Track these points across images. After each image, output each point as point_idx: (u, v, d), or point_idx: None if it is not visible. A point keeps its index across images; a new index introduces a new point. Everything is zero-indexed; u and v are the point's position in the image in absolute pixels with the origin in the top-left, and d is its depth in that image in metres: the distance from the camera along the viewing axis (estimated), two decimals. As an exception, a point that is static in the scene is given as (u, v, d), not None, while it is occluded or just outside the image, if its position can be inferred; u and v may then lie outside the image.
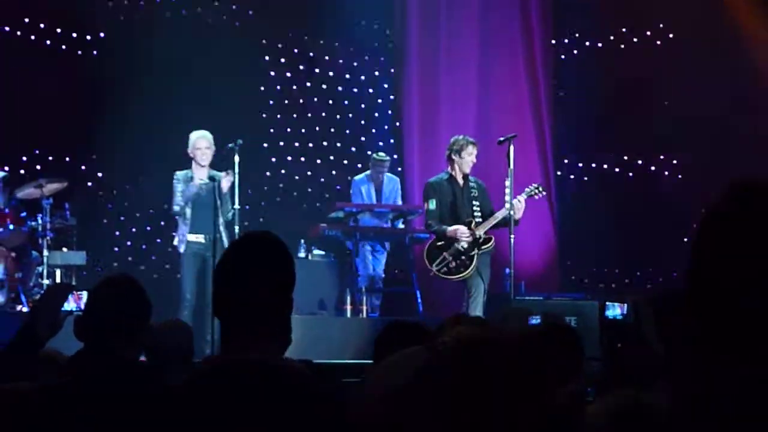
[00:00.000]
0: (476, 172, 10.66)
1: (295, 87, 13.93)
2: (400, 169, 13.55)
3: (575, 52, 14.58)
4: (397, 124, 14.37)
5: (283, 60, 14.13)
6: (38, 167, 12.41)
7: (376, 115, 14.47)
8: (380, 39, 14.52)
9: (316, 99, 14.01)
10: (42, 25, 13.15)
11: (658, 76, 14.23)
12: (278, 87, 13.75)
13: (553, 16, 14.62)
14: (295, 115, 13.82)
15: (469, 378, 2.41)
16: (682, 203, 13.96)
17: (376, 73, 14.47)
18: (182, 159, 11.11)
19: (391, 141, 14.22)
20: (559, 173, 14.39)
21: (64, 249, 11.59)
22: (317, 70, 14.25)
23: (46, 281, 10.69)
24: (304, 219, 13.36)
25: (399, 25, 14.37)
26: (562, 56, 14.62)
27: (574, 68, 14.46)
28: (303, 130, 13.85)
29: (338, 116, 14.12)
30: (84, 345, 3.40)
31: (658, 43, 14.38)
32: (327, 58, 14.33)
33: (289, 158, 13.95)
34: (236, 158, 10.36)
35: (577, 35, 14.78)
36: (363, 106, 14.39)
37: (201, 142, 10.59)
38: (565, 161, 14.51)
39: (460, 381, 2.40)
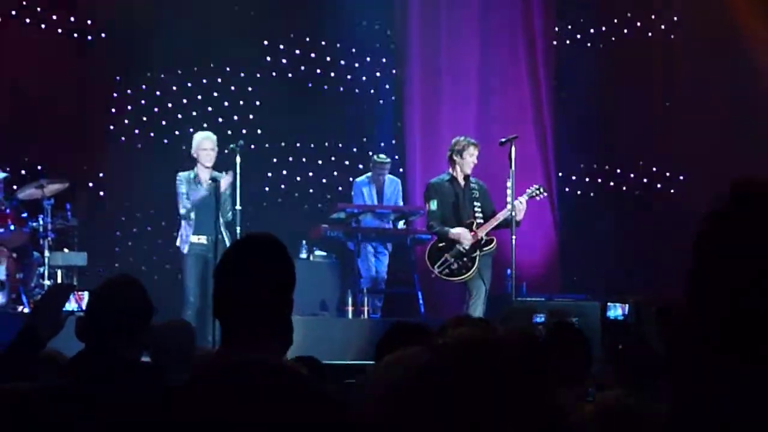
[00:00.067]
0: (477, 173, 10.66)
1: (296, 88, 13.92)
2: (401, 170, 13.53)
3: (577, 52, 14.56)
4: (399, 125, 14.36)
5: (284, 61, 14.13)
6: (39, 167, 12.40)
7: (378, 116, 14.47)
8: (381, 40, 14.51)
9: (317, 100, 14.00)
10: (43, 26, 13.15)
11: (662, 76, 14.23)
12: (280, 88, 13.74)
13: (555, 16, 14.62)
14: (296, 116, 13.81)
15: (470, 378, 2.40)
16: (684, 204, 13.97)
17: (378, 74, 14.46)
18: (183, 159, 11.12)
19: (393, 142, 14.21)
20: (560, 174, 14.36)
21: (66, 250, 11.59)
22: (319, 71, 14.24)
23: (47, 282, 10.69)
24: (306, 220, 13.36)
25: (400, 25, 14.36)
26: (564, 57, 14.59)
27: (576, 69, 14.43)
28: (305, 131, 13.85)
29: (340, 117, 14.11)
30: (85, 346, 3.41)
31: (661, 43, 14.35)
32: (328, 59, 14.33)
33: (291, 159, 13.94)
34: (238, 159, 10.36)
35: (578, 36, 14.76)
36: (364, 107, 14.38)
37: (206, 143, 10.59)
38: (567, 162, 14.49)
39: (461, 381, 2.40)
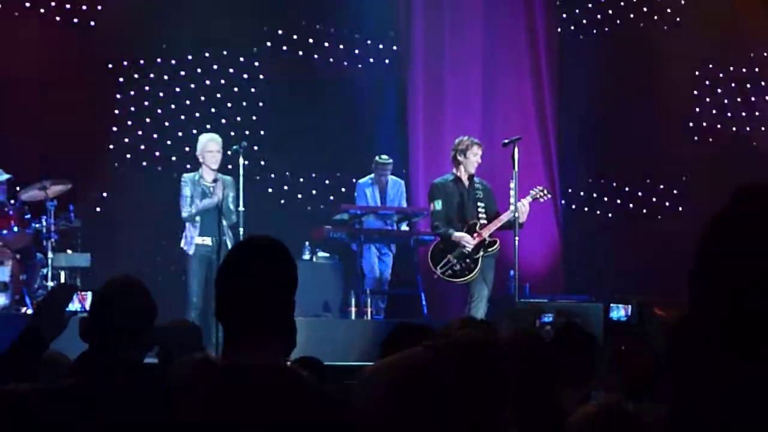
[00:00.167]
0: (481, 174, 10.66)
1: (299, 89, 13.92)
2: (405, 171, 13.53)
3: (580, 53, 14.55)
4: (403, 126, 14.36)
5: (287, 62, 14.12)
6: (42, 169, 12.40)
7: (381, 117, 14.46)
8: (385, 41, 14.50)
9: (321, 101, 14.00)
10: (43, 23, 13.17)
11: (665, 76, 14.23)
12: (282, 89, 13.74)
13: (557, 17, 14.62)
14: (299, 117, 13.82)
15: (471, 379, 2.41)
16: (686, 205, 13.98)
17: (381, 75, 14.45)
18: (186, 160, 11.14)
19: (397, 143, 14.21)
20: (563, 175, 14.36)
21: (69, 251, 11.59)
22: (321, 72, 14.23)
23: (50, 283, 10.69)
24: (309, 221, 13.36)
25: (404, 27, 14.36)
26: (567, 57, 14.58)
27: (579, 70, 14.44)
28: (308, 132, 13.85)
29: (343, 118, 14.11)
30: (89, 346, 3.41)
31: (665, 43, 14.34)
32: (331, 60, 14.33)
33: (294, 160, 13.93)
34: (241, 160, 10.37)
35: (581, 37, 14.76)
36: (368, 108, 14.37)
37: (211, 144, 10.61)
38: (570, 163, 14.48)
39: (462, 382, 2.40)
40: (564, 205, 14.27)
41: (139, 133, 13.46)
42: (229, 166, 10.74)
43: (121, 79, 13.48)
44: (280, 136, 13.69)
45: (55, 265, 10.92)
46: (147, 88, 13.50)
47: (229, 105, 13.49)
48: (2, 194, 10.97)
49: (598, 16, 14.66)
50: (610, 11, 14.66)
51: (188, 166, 11.50)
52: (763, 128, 14.28)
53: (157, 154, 13.56)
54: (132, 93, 13.48)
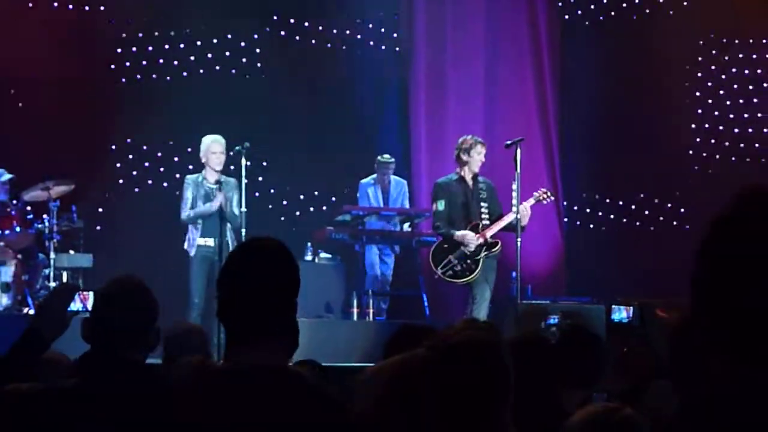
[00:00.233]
0: (482, 174, 10.62)
1: (302, 89, 13.92)
2: (407, 171, 13.51)
3: (583, 53, 14.53)
4: (405, 125, 14.36)
5: (291, 60, 14.11)
6: (45, 169, 12.41)
7: (384, 117, 14.46)
8: (387, 41, 14.50)
9: (323, 101, 14.01)
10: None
11: (669, 75, 14.22)
12: (286, 89, 13.74)
13: (560, 17, 14.61)
14: (302, 118, 13.83)
15: (471, 380, 2.41)
16: (689, 206, 13.97)
17: (383, 74, 14.45)
18: (188, 161, 11.14)
19: (399, 144, 14.20)
20: (564, 175, 14.34)
21: (71, 251, 11.60)
22: (323, 72, 14.23)
23: (52, 284, 10.69)
24: (311, 222, 13.36)
25: (406, 26, 14.35)
26: (570, 57, 14.57)
27: (582, 70, 14.43)
28: (310, 133, 13.85)
29: (346, 118, 14.12)
30: (91, 347, 3.41)
31: (669, 43, 14.32)
32: (334, 59, 14.32)
33: (296, 160, 13.92)
34: (243, 161, 10.38)
35: (587, 22, 14.73)
36: (370, 108, 14.37)
37: (215, 146, 10.63)
38: (572, 163, 14.46)
39: (462, 382, 2.40)
40: (566, 206, 14.26)
41: (142, 133, 13.46)
42: (231, 167, 10.74)
43: (123, 80, 13.50)
44: (282, 135, 13.68)
45: (57, 265, 10.92)
46: (149, 88, 13.51)
47: (231, 105, 13.48)
48: (5, 194, 10.98)
49: (601, 15, 14.64)
50: (613, 5, 14.66)
51: (191, 167, 11.50)
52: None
53: (159, 154, 13.56)
54: (134, 93, 13.48)
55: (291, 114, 13.72)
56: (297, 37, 14.22)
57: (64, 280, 11.10)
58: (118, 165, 13.39)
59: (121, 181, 13.47)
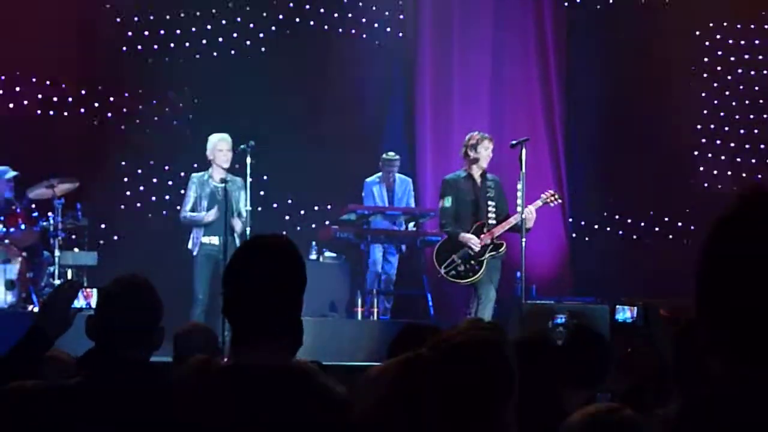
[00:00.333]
0: (489, 173, 10.58)
1: (307, 88, 13.93)
2: (411, 169, 13.50)
3: (589, 52, 14.52)
4: (410, 124, 14.36)
5: (295, 59, 14.12)
6: (49, 167, 12.43)
7: (390, 116, 14.47)
8: (393, 40, 14.49)
9: (329, 101, 14.01)
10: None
11: (671, 75, 14.22)
12: (291, 88, 13.75)
13: (566, 17, 14.61)
14: (307, 117, 13.83)
15: (472, 379, 2.41)
16: (694, 207, 13.96)
17: (389, 73, 14.45)
18: (193, 159, 11.14)
19: (405, 143, 14.21)
20: (570, 175, 14.33)
21: (76, 249, 11.62)
22: (326, 72, 14.23)
23: (57, 281, 10.70)
24: (316, 221, 13.37)
25: (411, 25, 14.35)
26: (575, 57, 14.56)
27: (586, 69, 14.43)
28: (316, 132, 13.85)
29: (352, 118, 14.12)
30: (95, 344, 3.41)
31: (673, 44, 14.33)
32: (337, 59, 14.33)
33: (302, 159, 13.93)
34: (248, 160, 10.38)
35: (589, 32, 14.73)
36: (376, 107, 14.38)
37: (221, 144, 10.64)
38: (578, 162, 14.45)
39: (464, 382, 2.40)
40: (571, 206, 14.25)
41: (147, 131, 13.47)
42: (237, 166, 10.75)
43: (125, 80, 13.51)
44: (287, 134, 13.69)
45: (62, 263, 10.93)
46: (153, 87, 13.52)
47: (234, 103, 13.49)
48: (10, 192, 10.99)
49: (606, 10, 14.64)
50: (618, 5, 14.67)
51: (195, 165, 11.51)
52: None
53: (166, 153, 13.56)
54: (140, 91, 13.50)
55: (296, 112, 13.73)
56: (302, 36, 14.21)
57: (69, 277, 11.11)
58: (123, 163, 13.39)
59: (126, 179, 13.48)
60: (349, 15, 14.32)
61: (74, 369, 3.54)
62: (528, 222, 10.13)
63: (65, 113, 13.10)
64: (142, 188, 13.57)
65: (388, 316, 11.72)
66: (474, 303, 10.24)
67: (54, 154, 12.59)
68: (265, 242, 3.12)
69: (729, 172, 13.99)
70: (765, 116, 14.41)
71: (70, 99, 13.15)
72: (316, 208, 14.01)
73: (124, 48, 13.36)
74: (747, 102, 14.41)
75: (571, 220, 14.21)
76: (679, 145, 14.25)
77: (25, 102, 13.03)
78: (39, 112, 13.04)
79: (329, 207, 13.76)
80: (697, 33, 14.28)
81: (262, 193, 12.96)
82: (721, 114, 14.48)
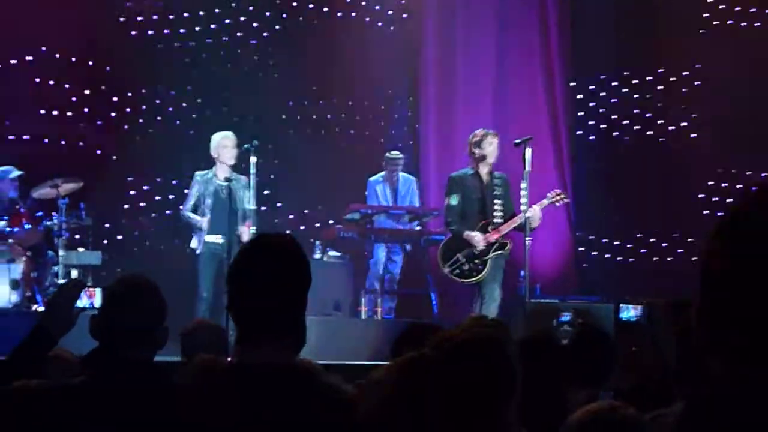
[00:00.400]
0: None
1: (311, 86, 13.93)
2: (415, 168, 13.49)
3: (592, 52, 14.51)
4: (414, 123, 14.36)
5: (300, 57, 14.12)
6: (53, 166, 12.44)
7: (395, 116, 14.47)
8: (397, 38, 14.48)
9: (333, 99, 14.01)
10: (58, 55, 13.11)
11: (674, 75, 14.21)
12: (295, 86, 13.75)
13: (570, 17, 14.59)
14: (312, 116, 13.83)
15: (475, 377, 2.41)
16: (697, 209, 13.94)
17: (393, 71, 14.44)
18: (197, 159, 11.14)
19: (410, 142, 14.20)
20: (575, 173, 14.31)
21: (80, 249, 11.62)
22: (334, 69, 14.23)
23: (61, 281, 10.70)
24: (320, 220, 13.36)
25: (415, 23, 14.35)
26: (580, 57, 14.55)
27: (591, 70, 14.42)
28: (321, 131, 13.85)
29: (356, 117, 14.11)
30: (99, 344, 3.41)
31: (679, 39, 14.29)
32: (341, 58, 14.32)
33: (303, 159, 13.93)
34: (252, 159, 10.37)
35: (594, 33, 14.70)
36: (381, 107, 14.38)
37: (226, 141, 10.63)
38: (581, 161, 14.44)
39: (467, 380, 2.40)
40: (575, 205, 14.22)
41: (150, 131, 13.47)
42: (243, 165, 10.75)
43: (128, 80, 13.52)
44: (291, 133, 13.70)
45: (66, 262, 10.93)
46: (155, 86, 13.52)
47: (236, 102, 13.50)
48: (14, 191, 11.00)
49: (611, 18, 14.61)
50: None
51: (199, 164, 11.51)
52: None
53: (170, 152, 13.57)
54: (143, 91, 13.51)
55: (299, 111, 13.73)
56: (305, 34, 14.21)
57: (73, 277, 11.11)
58: (127, 163, 13.40)
59: (129, 179, 13.48)
60: (353, 14, 14.31)
61: (78, 368, 3.54)
62: (534, 221, 10.09)
63: (69, 113, 13.09)
64: (146, 188, 13.57)
65: (392, 316, 11.72)
66: (477, 302, 10.23)
67: (58, 154, 12.61)
68: (270, 241, 3.12)
69: (733, 171, 13.94)
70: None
71: (74, 98, 13.14)
72: (319, 207, 14.00)
73: (127, 47, 13.36)
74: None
75: (575, 218, 14.19)
76: (685, 145, 14.22)
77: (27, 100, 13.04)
78: (42, 111, 13.04)
79: (333, 206, 13.75)
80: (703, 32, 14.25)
81: (266, 192, 12.95)
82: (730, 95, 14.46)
